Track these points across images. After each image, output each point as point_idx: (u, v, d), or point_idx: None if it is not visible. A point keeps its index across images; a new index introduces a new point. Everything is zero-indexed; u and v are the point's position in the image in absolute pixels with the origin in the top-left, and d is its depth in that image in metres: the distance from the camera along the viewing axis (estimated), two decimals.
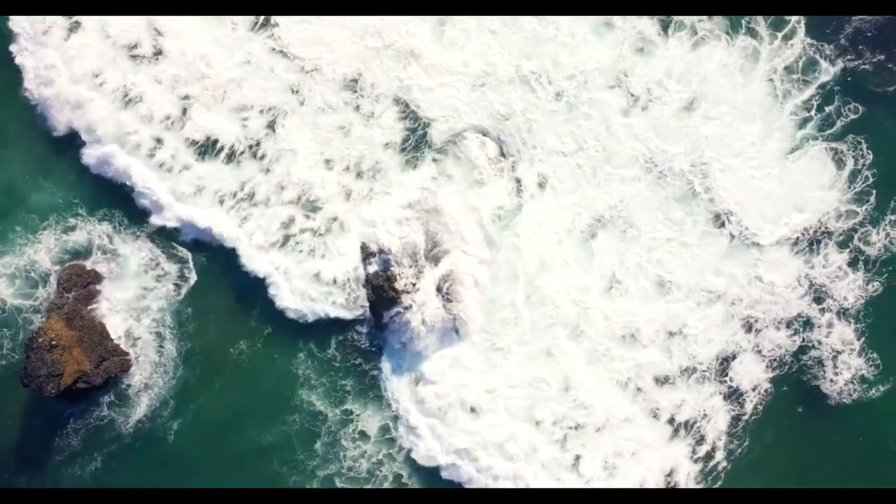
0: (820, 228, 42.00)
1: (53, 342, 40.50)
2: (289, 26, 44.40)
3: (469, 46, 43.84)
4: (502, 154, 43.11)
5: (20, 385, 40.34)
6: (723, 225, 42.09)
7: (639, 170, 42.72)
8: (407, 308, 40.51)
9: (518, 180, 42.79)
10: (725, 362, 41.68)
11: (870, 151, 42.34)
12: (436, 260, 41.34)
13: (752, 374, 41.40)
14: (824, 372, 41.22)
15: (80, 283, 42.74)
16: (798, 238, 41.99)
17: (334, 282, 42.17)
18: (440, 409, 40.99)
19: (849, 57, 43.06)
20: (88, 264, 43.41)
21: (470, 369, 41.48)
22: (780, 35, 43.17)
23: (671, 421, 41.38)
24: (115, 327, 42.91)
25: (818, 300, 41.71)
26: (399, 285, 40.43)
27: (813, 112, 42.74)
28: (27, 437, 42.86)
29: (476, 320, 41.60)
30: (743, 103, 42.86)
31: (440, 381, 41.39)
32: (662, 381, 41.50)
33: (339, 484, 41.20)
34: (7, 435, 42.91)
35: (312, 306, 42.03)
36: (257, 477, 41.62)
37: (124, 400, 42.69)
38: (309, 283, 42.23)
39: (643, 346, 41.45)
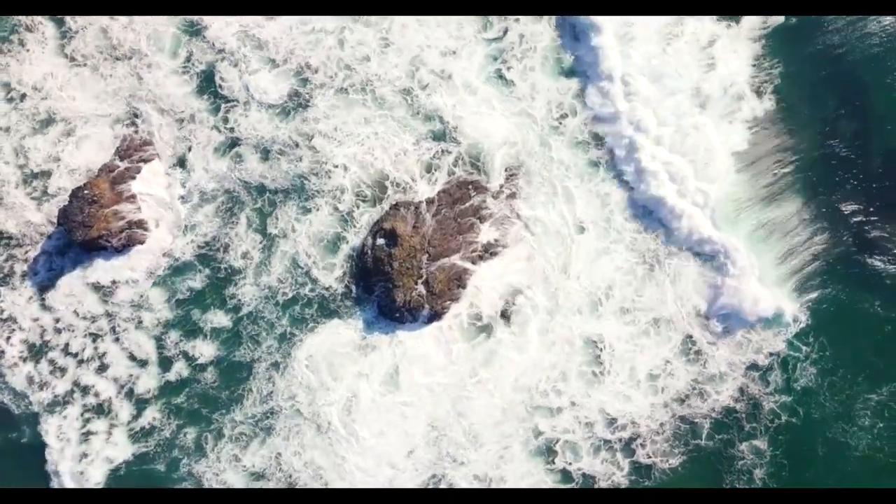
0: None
1: (95, 198, 45.05)
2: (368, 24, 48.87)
3: (521, 84, 47.28)
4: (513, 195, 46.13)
5: None
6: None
7: (626, 251, 44.81)
8: (396, 287, 44.05)
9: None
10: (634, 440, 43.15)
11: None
12: (436, 256, 44.51)
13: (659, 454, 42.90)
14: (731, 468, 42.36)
15: (135, 157, 47.16)
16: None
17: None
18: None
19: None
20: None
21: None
22: None
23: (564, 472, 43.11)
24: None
25: (751, 407, 42.53)
26: (396, 265, 43.84)
27: None
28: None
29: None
30: None
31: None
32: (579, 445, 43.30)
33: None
34: None
35: None
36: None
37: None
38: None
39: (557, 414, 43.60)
